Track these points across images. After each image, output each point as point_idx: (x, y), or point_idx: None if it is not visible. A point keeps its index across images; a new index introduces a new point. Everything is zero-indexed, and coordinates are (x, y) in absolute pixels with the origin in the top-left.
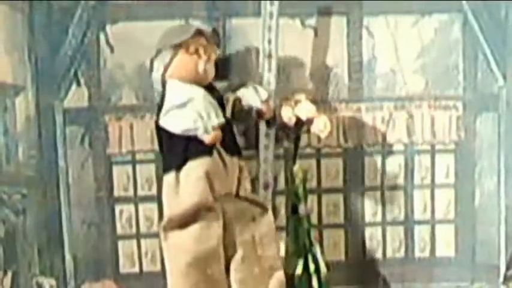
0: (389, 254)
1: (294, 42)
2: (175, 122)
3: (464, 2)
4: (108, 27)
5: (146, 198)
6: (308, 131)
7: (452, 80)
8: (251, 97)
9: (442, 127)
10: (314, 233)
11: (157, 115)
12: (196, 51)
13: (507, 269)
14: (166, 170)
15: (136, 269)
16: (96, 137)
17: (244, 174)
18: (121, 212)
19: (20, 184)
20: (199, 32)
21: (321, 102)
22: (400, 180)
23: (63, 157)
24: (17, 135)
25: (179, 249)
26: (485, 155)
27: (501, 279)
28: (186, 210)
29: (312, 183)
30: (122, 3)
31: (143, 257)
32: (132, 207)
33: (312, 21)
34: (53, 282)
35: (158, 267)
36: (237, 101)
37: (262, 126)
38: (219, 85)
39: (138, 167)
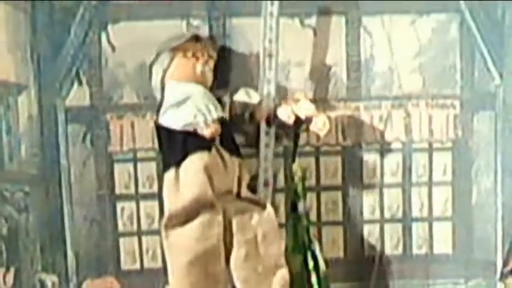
0: (387, 251)
1: (293, 42)
2: (175, 118)
3: (461, 2)
4: (109, 27)
5: (147, 196)
6: (307, 129)
7: (450, 79)
8: (244, 101)
9: (440, 125)
10: (313, 230)
11: (157, 115)
12: (194, 55)
13: (504, 265)
14: (166, 167)
15: (138, 266)
16: (97, 135)
17: (244, 175)
18: (122, 209)
19: (22, 182)
20: (196, 37)
21: (320, 101)
22: (398, 178)
23: (65, 155)
24: (19, 133)
25: (180, 247)
26: (482, 153)
27: (498, 276)
28: (186, 204)
29: (311, 181)
30: (123, 3)
31: (144, 253)
32: (133, 204)
33: (311, 21)
34: (55, 278)
35: (159, 264)
36: (233, 104)
37: (262, 125)
38: (219, 93)
39: (139, 165)
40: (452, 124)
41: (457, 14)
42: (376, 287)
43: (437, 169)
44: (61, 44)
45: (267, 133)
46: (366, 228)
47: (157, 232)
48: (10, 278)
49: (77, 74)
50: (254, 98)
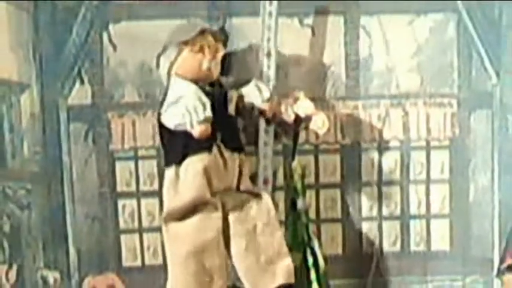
0: (385, 248)
1: (292, 41)
2: (169, 118)
3: (459, 1)
4: (111, 26)
5: (148, 194)
6: (306, 127)
7: (447, 78)
8: (254, 96)
9: (437, 124)
10: (312, 228)
11: (159, 111)
12: (201, 50)
13: (501, 262)
14: (167, 164)
15: (139, 263)
16: (99, 133)
17: (245, 169)
18: (124, 206)
19: (25, 179)
20: (204, 31)
21: (319, 100)
22: (396, 176)
23: (67, 153)
24: (22, 131)
25: (179, 240)
26: (479, 152)
27: (495, 272)
28: (184, 204)
29: (310, 179)
30: (124, 3)
31: (145, 250)
32: (134, 202)
33: (309, 20)
34: (57, 275)
35: (160, 261)
36: (240, 98)
37: (262, 123)
38: (224, 80)
39: (140, 162)
40: (449, 122)
41: (455, 13)
42: (374, 283)
43: (434, 167)
44: (63, 43)
45: (267, 131)
46: (365, 226)
47: (158, 229)
48: (13, 274)
49: (79, 72)
50: (265, 93)
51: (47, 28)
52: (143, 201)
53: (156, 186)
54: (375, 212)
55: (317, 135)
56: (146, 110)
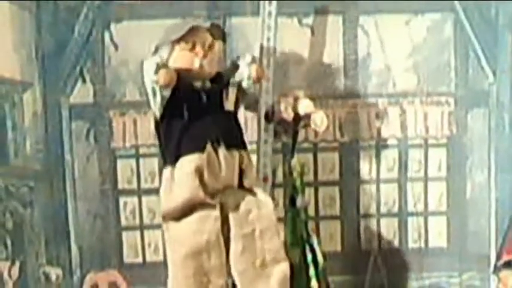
0: (383, 244)
1: (291, 41)
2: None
3: (456, 1)
4: (112, 26)
5: (149, 191)
6: (306, 126)
7: (444, 77)
8: (239, 70)
9: (435, 122)
10: (311, 225)
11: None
12: (193, 48)
13: (497, 259)
14: (164, 164)
15: (140, 259)
16: (101, 131)
17: (248, 165)
18: (125, 204)
19: (27, 177)
20: (196, 28)
21: (318, 99)
22: (394, 174)
23: (69, 151)
24: (24, 130)
25: (177, 240)
26: (476, 150)
27: (491, 269)
28: (178, 205)
29: (309, 177)
30: (125, 2)
31: (146, 247)
32: (135, 199)
33: (309, 20)
34: (59, 271)
35: (161, 258)
36: (241, 92)
37: (262, 121)
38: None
39: (141, 160)
40: (446, 121)
41: (452, 13)
42: (373, 280)
43: (432, 165)
44: (65, 43)
45: (266, 129)
46: (363, 223)
47: (159, 226)
48: (15, 271)
49: (81, 72)
50: (246, 58)
51: (49, 28)
52: (144, 199)
53: (157, 183)
54: (373, 210)
55: (316, 134)
56: (147, 108)
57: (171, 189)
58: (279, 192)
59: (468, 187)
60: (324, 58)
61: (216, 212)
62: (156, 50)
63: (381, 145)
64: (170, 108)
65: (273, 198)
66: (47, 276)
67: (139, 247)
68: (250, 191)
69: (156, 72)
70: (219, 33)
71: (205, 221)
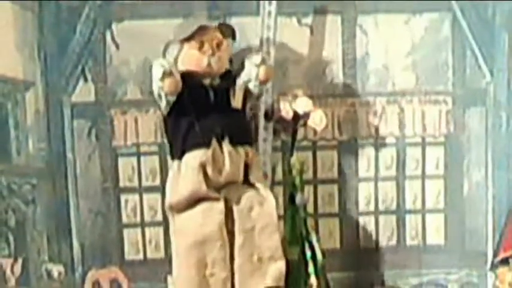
0: (382, 242)
1: (291, 40)
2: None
3: (453, 1)
4: (113, 25)
5: (150, 189)
6: (305, 124)
7: (442, 76)
8: (248, 70)
9: (432, 121)
10: (310, 222)
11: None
12: (201, 46)
13: (494, 256)
14: (172, 158)
15: (141, 256)
16: (102, 130)
17: (253, 162)
18: (126, 201)
19: (30, 175)
20: (204, 27)
21: (317, 97)
22: (392, 172)
23: (71, 149)
24: (27, 128)
25: (181, 232)
26: (473, 148)
27: (488, 266)
28: (183, 198)
29: (308, 175)
30: (127, 2)
31: (147, 244)
32: (136, 197)
33: (308, 19)
34: (61, 268)
35: (162, 254)
36: (247, 91)
37: (261, 120)
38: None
39: (142, 158)
40: (444, 119)
41: (449, 13)
42: (371, 276)
43: (430, 163)
44: (67, 42)
45: (266, 128)
46: (361, 220)
47: (160, 223)
48: (18, 267)
49: (83, 71)
50: (255, 59)
51: (52, 27)
52: (145, 196)
53: (158, 181)
54: (371, 207)
55: (315, 132)
56: (148, 107)
57: (176, 183)
58: (279, 190)
59: (465, 185)
60: (322, 57)
61: (220, 205)
62: (166, 48)
63: (379, 143)
64: (178, 104)
65: (273, 196)
66: (49, 273)
67: (140, 244)
68: (254, 187)
69: (162, 79)
70: (229, 32)
71: (209, 214)
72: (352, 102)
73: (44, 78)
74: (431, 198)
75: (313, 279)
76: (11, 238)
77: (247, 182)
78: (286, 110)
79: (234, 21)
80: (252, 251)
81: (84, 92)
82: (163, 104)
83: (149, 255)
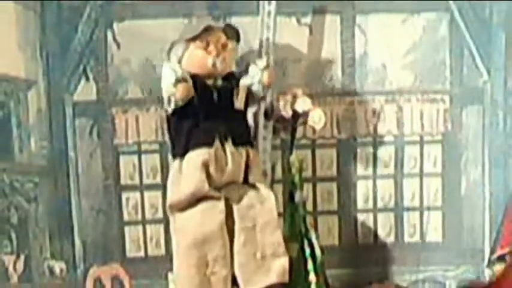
0: (380, 239)
1: (290, 39)
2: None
3: (451, 1)
4: (115, 25)
5: (151, 187)
6: (304, 123)
7: (440, 75)
8: (252, 73)
9: (430, 119)
10: (309, 219)
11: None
12: (207, 46)
13: (491, 253)
14: (173, 157)
15: (142, 253)
16: (103, 128)
17: (254, 162)
18: (127, 199)
19: (32, 173)
20: (210, 28)
21: (316, 96)
22: (390, 170)
23: (72, 148)
24: (29, 127)
25: (182, 230)
26: (470, 146)
27: (486, 263)
28: (185, 197)
29: (308, 173)
30: (128, 2)
31: (148, 242)
32: (138, 194)
33: (307, 19)
34: (63, 265)
35: (162, 252)
36: (249, 94)
37: (261, 119)
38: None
39: (143, 156)
40: (442, 118)
41: (447, 13)
42: (369, 273)
43: (427, 161)
44: (69, 42)
45: (265, 127)
46: (360, 217)
47: (160, 221)
48: (20, 264)
49: (84, 70)
50: (260, 63)
51: (53, 27)
52: (146, 194)
53: (159, 179)
54: (370, 205)
55: (314, 130)
56: (149, 105)
57: (178, 182)
58: (278, 188)
59: (463, 183)
60: (321, 56)
61: (221, 205)
62: (171, 47)
63: (377, 142)
64: (184, 105)
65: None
66: (51, 270)
67: (142, 241)
68: (254, 187)
69: (175, 85)
70: (233, 33)
71: (210, 213)
72: (351, 101)
73: (46, 77)
74: (429, 196)
75: (312, 276)
76: (14, 235)
77: (247, 182)
78: (285, 109)
79: (234, 21)
80: (254, 248)
81: (85, 91)
82: (171, 107)
83: (150, 252)
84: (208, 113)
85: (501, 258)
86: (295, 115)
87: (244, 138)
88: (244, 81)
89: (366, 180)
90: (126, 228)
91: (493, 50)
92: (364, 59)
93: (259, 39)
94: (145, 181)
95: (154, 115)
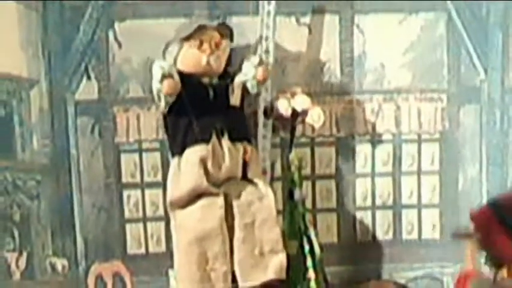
0: (378, 236)
1: (289, 39)
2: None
3: (448, 1)
4: (116, 25)
5: (152, 184)
6: (303, 121)
7: (437, 74)
8: (245, 70)
9: (428, 118)
10: (309, 217)
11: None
12: (200, 46)
13: None
14: (172, 155)
15: (143, 250)
16: (105, 127)
17: (252, 158)
18: (128, 197)
19: (34, 171)
20: (204, 27)
21: (315, 95)
22: (389, 168)
23: (74, 146)
24: (31, 125)
25: (183, 228)
26: (468, 144)
27: (483, 260)
28: (183, 194)
29: (307, 170)
30: (129, 2)
31: (149, 239)
32: (139, 192)
33: (306, 19)
34: (65, 262)
35: (163, 248)
36: (244, 90)
37: (261, 118)
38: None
39: (144, 155)
40: (439, 116)
41: (444, 13)
42: (368, 270)
43: (425, 159)
44: (71, 41)
45: (265, 125)
46: (358, 215)
47: (161, 218)
48: (23, 261)
49: (86, 69)
50: (253, 60)
51: (55, 27)
52: (147, 192)
53: (159, 177)
54: (368, 202)
55: (313, 129)
56: (150, 104)
57: (177, 179)
58: (278, 186)
59: (460, 180)
60: (320, 56)
61: (220, 201)
62: (166, 47)
63: (376, 140)
64: (177, 102)
65: (272, 191)
66: (53, 267)
67: (142, 238)
68: (253, 183)
69: (161, 81)
70: (227, 32)
71: (210, 209)
72: (350, 100)
73: (48, 77)
74: (426, 194)
75: (311, 273)
76: (16, 233)
77: (246, 178)
78: (285, 108)
79: (234, 21)
80: (253, 245)
81: (87, 90)
82: (162, 103)
83: (151, 249)
84: (205, 110)
85: None
86: (295, 114)
87: (241, 133)
88: (238, 78)
89: (364, 178)
90: (127, 226)
91: (490, 49)
92: (362, 59)
93: (258, 38)
94: (146, 179)
95: (155, 114)
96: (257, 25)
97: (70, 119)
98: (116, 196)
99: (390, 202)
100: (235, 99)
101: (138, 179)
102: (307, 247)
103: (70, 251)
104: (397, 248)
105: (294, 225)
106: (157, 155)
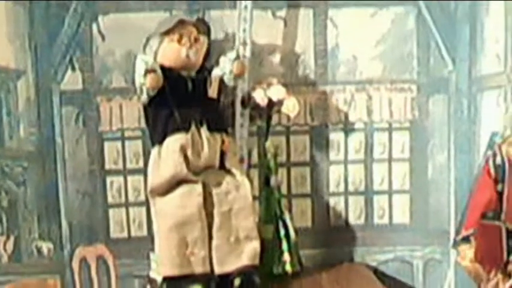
0: (351, 221)
1: (266, 32)
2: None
3: None
4: (100, 18)
5: (134, 171)
6: (279, 111)
7: (407, 66)
8: (222, 65)
9: (398, 107)
10: (284, 202)
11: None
12: (180, 39)
13: (456, 234)
14: (152, 144)
15: (125, 234)
16: (89, 116)
17: (229, 148)
18: (112, 183)
19: (21, 158)
20: (183, 21)
21: (290, 85)
22: (361, 155)
23: (59, 134)
24: (18, 114)
25: (163, 214)
26: (436, 133)
27: (451, 243)
28: (164, 180)
29: (282, 158)
30: None
31: (131, 223)
32: (121, 178)
33: (282, 13)
34: (51, 245)
35: (145, 233)
36: (221, 83)
37: (238, 107)
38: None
39: (126, 143)
40: (409, 106)
41: (414, 7)
42: (341, 253)
43: (396, 147)
44: (56, 34)
45: (242, 114)
46: (332, 200)
47: (143, 204)
48: (10, 245)
49: (71, 60)
50: (230, 55)
51: (42, 20)
52: (129, 178)
53: (141, 164)
54: (341, 188)
55: (288, 118)
56: (132, 94)
57: (158, 167)
58: (254, 173)
59: (429, 167)
60: (295, 48)
61: (199, 188)
62: (147, 42)
63: (348, 129)
64: (158, 95)
65: (249, 178)
66: (39, 250)
67: (125, 223)
68: (230, 172)
69: (145, 75)
70: (204, 28)
71: (189, 196)
72: (323, 90)
73: (35, 68)
74: (397, 180)
75: (286, 256)
76: (4, 218)
77: (223, 168)
78: (261, 98)
79: (212, 14)
80: (229, 232)
81: (72, 81)
82: (144, 96)
83: (133, 233)
84: (184, 102)
85: (465, 239)
86: (271, 103)
87: (219, 124)
88: (215, 72)
89: (337, 165)
90: (110, 211)
91: (457, 41)
92: (335, 51)
93: (236, 31)
94: (129, 166)
95: (137, 103)
96: (235, 19)
97: (55, 109)
98: (99, 182)
99: (362, 188)
100: (212, 92)
101: (120, 165)
102: (282, 231)
103: (55, 235)
104: (369, 232)
105: (270, 210)
106: (139, 142)
